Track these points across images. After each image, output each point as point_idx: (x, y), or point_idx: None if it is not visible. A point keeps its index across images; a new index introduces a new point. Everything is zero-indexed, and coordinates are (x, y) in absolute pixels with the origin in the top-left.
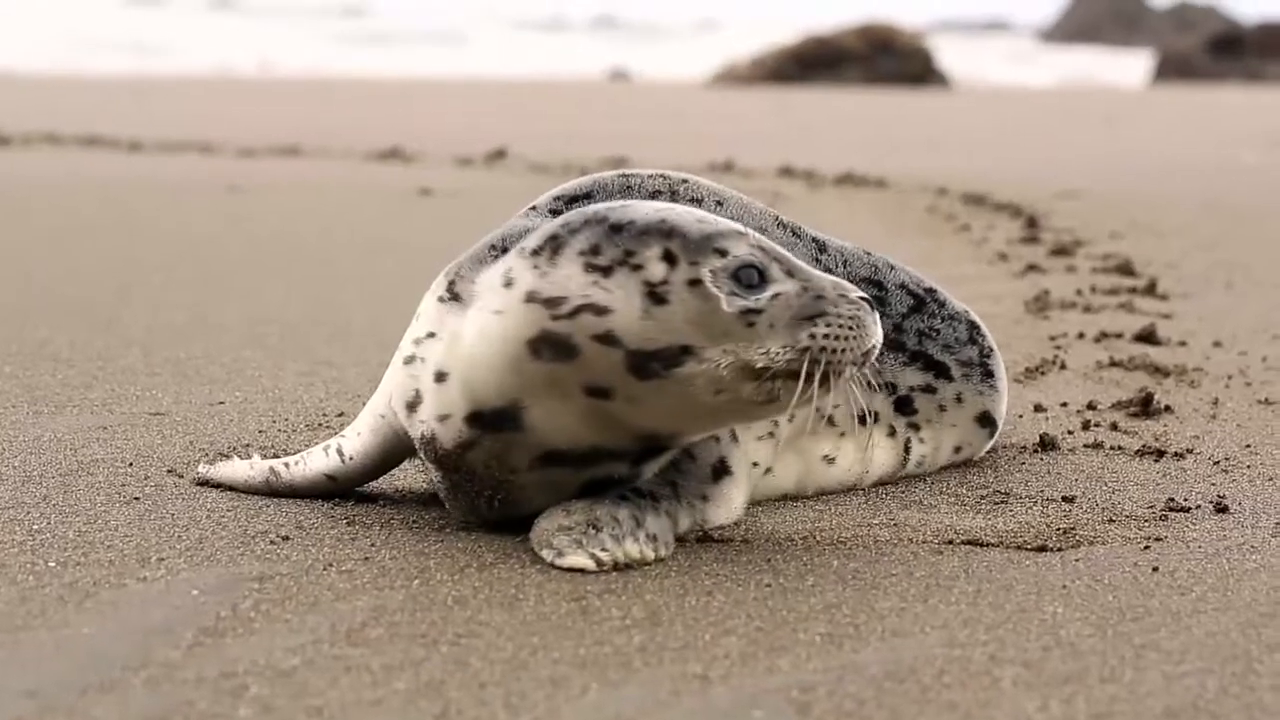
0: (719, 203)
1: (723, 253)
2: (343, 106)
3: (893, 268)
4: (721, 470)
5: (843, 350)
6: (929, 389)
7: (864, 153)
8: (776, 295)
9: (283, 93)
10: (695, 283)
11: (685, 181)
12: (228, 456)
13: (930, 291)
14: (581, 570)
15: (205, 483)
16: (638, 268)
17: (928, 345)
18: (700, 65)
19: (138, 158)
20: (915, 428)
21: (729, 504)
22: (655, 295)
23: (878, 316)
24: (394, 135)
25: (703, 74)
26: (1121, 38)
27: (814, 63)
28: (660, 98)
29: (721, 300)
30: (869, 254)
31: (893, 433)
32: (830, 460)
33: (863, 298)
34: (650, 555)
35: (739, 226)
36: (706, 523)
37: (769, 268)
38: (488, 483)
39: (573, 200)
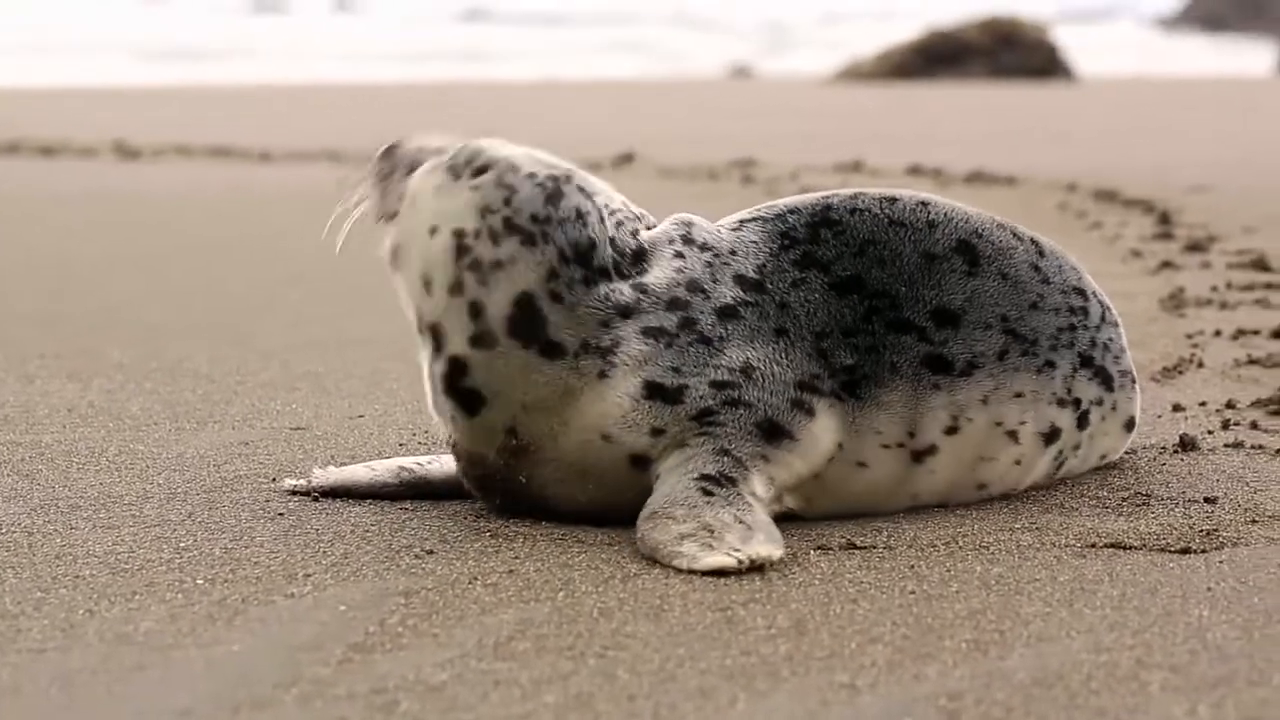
0: (923, 204)
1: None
2: (458, 112)
3: (1086, 275)
4: (773, 431)
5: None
6: (1099, 401)
7: (991, 149)
8: None
9: (404, 98)
10: None
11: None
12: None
13: (1099, 295)
14: (721, 571)
15: (329, 493)
16: None
17: (1104, 357)
18: (822, 61)
19: (268, 168)
20: (1076, 446)
21: (805, 456)
22: None
23: (393, 174)
24: (520, 138)
25: (825, 70)
26: (1245, 25)
27: (937, 57)
28: (784, 96)
29: None
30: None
31: (1058, 453)
32: (983, 487)
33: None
34: (775, 554)
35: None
36: (775, 480)
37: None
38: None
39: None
